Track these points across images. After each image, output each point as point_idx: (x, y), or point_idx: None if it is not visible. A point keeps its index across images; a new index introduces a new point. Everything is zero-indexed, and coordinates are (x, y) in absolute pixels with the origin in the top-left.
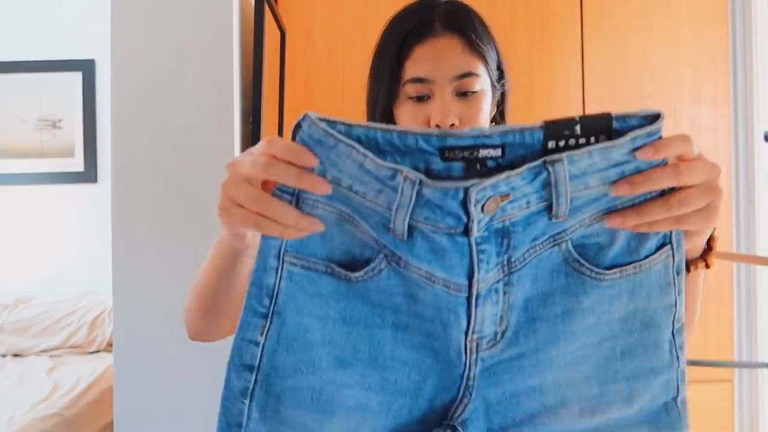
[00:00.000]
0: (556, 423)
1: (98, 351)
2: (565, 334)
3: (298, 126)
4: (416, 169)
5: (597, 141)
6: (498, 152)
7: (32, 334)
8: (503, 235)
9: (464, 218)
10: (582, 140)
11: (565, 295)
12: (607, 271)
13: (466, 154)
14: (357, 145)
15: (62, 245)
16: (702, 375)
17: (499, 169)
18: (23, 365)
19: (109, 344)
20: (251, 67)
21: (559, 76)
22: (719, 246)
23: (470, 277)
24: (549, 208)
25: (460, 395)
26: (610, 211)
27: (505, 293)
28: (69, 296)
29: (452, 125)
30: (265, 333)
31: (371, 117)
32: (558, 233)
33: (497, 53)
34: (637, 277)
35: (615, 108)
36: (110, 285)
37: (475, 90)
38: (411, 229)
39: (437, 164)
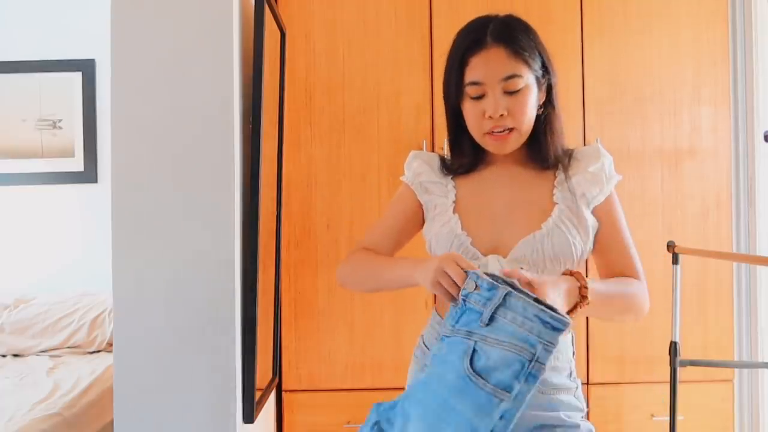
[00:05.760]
0: None
1: (98, 351)
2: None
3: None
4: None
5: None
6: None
7: (32, 334)
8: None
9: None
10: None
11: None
12: (475, 375)
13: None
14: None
15: (62, 245)
16: (702, 375)
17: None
18: (23, 365)
19: (109, 344)
20: (251, 67)
21: (559, 76)
22: (720, 246)
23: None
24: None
25: None
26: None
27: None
28: (69, 296)
29: (501, 116)
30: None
31: (447, 110)
32: (474, 332)
33: (541, 55)
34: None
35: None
36: (110, 285)
37: (519, 88)
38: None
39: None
